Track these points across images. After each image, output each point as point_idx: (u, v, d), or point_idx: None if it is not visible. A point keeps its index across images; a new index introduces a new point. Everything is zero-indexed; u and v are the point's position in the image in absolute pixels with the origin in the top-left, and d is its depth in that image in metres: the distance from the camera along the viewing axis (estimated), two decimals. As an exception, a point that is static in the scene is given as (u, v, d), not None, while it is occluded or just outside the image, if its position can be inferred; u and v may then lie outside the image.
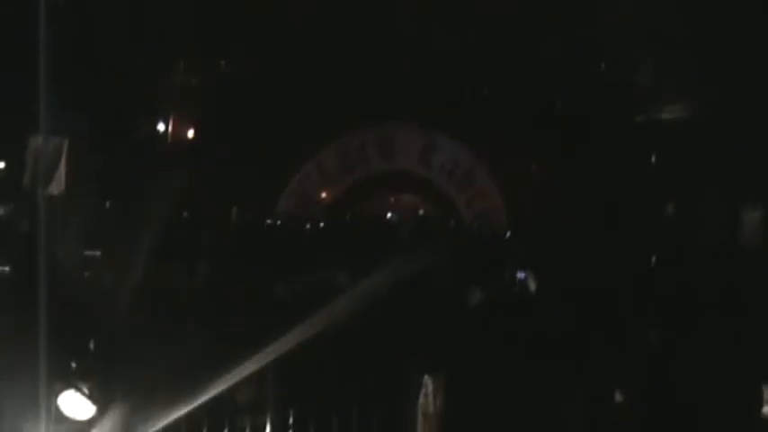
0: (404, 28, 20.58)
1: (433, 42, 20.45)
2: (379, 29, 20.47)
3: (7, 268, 9.89)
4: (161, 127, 21.56)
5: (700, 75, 18.70)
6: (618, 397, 7.73)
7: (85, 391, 7.10)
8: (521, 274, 10.26)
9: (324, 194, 22.45)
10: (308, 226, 19.48)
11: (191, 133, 21.92)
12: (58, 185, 15.99)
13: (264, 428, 8.55)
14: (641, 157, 20.38)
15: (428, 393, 8.43)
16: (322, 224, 20.03)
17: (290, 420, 8.64)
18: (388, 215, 22.52)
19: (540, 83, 20.79)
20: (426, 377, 8.66)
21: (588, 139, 19.72)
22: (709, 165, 17.34)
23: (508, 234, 18.91)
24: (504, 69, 20.81)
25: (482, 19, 19.86)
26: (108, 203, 18.60)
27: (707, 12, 16.83)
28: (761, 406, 7.59)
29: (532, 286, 9.88)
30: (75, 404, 7.08)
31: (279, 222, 19.87)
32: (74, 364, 7.38)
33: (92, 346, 7.97)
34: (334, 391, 8.62)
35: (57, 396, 7.07)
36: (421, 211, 22.67)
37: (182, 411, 7.38)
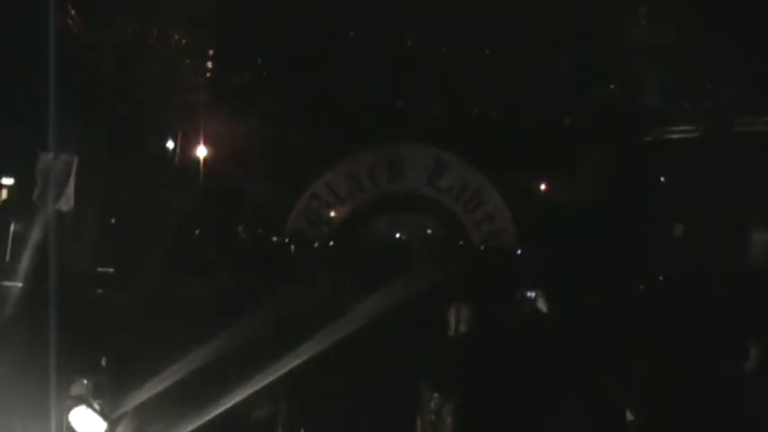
0: (414, 50, 20.65)
1: (442, 64, 20.51)
2: (390, 50, 20.54)
3: (20, 284, 9.92)
4: (170, 145, 21.60)
5: (710, 95, 18.76)
6: (629, 416, 7.74)
7: (96, 407, 7.09)
8: (531, 294, 10.29)
9: (333, 214, 22.48)
10: (316, 245, 19.55)
11: (200, 151, 21.95)
12: (67, 202, 16.03)
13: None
14: (651, 176, 20.40)
15: (438, 412, 8.43)
16: (331, 243, 20.09)
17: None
18: (397, 235, 22.53)
19: (549, 103, 20.84)
20: (436, 395, 8.67)
21: (597, 159, 19.73)
22: (719, 185, 17.36)
23: (517, 254, 18.95)
24: (512, 90, 20.86)
25: (492, 40, 19.92)
26: (115, 220, 18.64)
27: (717, 32, 16.88)
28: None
29: (542, 305, 9.91)
30: (86, 420, 7.08)
31: (288, 241, 19.92)
32: (85, 381, 7.38)
33: (103, 362, 7.98)
34: (343, 409, 8.63)
35: (68, 412, 7.07)
36: (429, 232, 22.68)
37: (192, 427, 7.38)
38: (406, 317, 9.24)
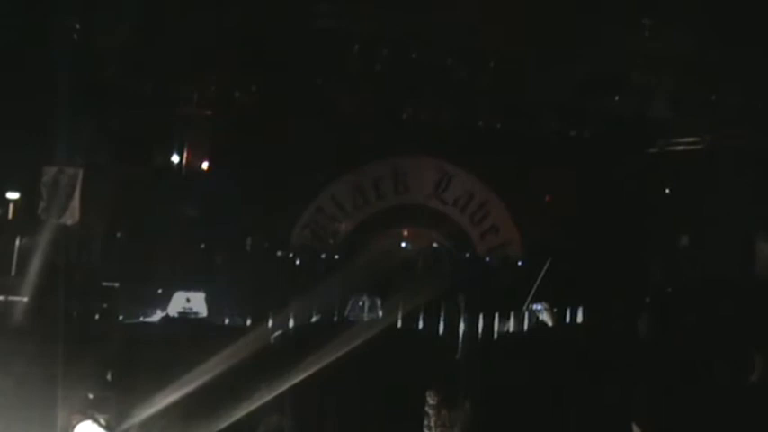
0: (418, 61, 20.63)
1: (446, 75, 20.48)
2: (393, 62, 20.52)
3: (26, 299, 9.91)
4: (175, 158, 21.60)
5: (715, 106, 18.74)
6: (635, 430, 7.69)
7: (102, 421, 7.08)
8: (536, 306, 10.27)
9: (338, 227, 22.46)
10: (322, 256, 19.52)
11: (205, 164, 21.94)
12: (72, 216, 16.04)
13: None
14: (656, 188, 20.40)
15: (445, 425, 8.40)
16: (336, 256, 20.05)
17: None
18: (402, 245, 22.52)
19: (556, 114, 20.86)
20: (443, 409, 8.64)
21: (605, 170, 19.73)
22: (724, 196, 17.34)
23: (522, 266, 18.93)
24: (517, 102, 20.87)
25: (496, 51, 19.90)
26: (120, 234, 18.64)
27: (723, 42, 16.86)
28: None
29: (549, 318, 9.88)
30: (91, 435, 7.07)
31: (292, 254, 19.91)
32: (91, 395, 7.38)
33: (109, 376, 7.98)
34: (350, 422, 8.60)
35: (74, 427, 7.06)
36: (435, 244, 22.64)
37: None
38: (413, 328, 9.23)
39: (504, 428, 7.76)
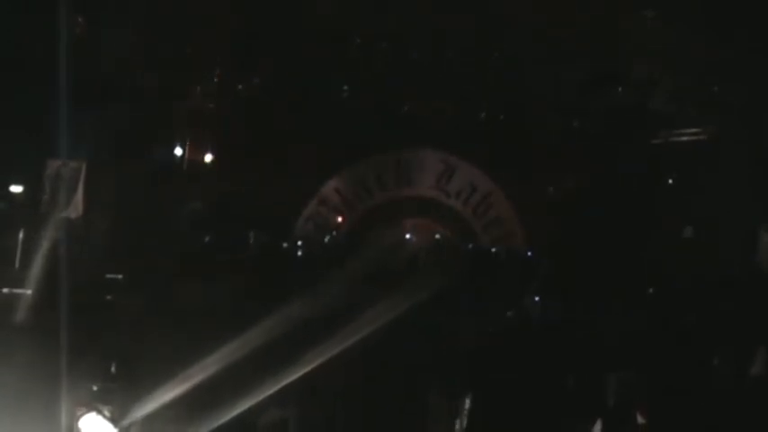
0: (420, 53, 20.63)
1: (449, 67, 20.48)
2: (396, 54, 20.52)
3: (29, 291, 9.91)
4: (178, 151, 21.60)
5: (717, 97, 18.71)
6: (639, 419, 7.72)
7: (106, 413, 7.10)
8: (538, 299, 10.27)
9: (341, 219, 22.45)
10: (324, 250, 19.48)
11: (207, 157, 21.94)
12: (75, 209, 16.03)
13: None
14: (659, 179, 20.36)
15: (449, 417, 8.43)
16: (339, 248, 20.02)
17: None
18: (406, 236, 22.49)
19: (558, 106, 20.82)
20: (445, 401, 8.67)
21: (607, 162, 19.70)
22: (726, 188, 17.31)
23: (526, 258, 18.90)
24: (520, 93, 20.84)
25: (498, 43, 19.90)
26: (124, 227, 18.64)
27: (725, 34, 16.84)
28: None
29: (550, 311, 9.88)
30: (96, 427, 7.09)
31: (297, 246, 19.87)
32: (95, 387, 7.40)
33: (113, 368, 8.00)
34: (353, 415, 8.62)
35: (78, 419, 7.08)
36: (438, 236, 22.61)
37: (202, 432, 7.39)
38: (416, 322, 9.22)
39: (508, 421, 7.80)
